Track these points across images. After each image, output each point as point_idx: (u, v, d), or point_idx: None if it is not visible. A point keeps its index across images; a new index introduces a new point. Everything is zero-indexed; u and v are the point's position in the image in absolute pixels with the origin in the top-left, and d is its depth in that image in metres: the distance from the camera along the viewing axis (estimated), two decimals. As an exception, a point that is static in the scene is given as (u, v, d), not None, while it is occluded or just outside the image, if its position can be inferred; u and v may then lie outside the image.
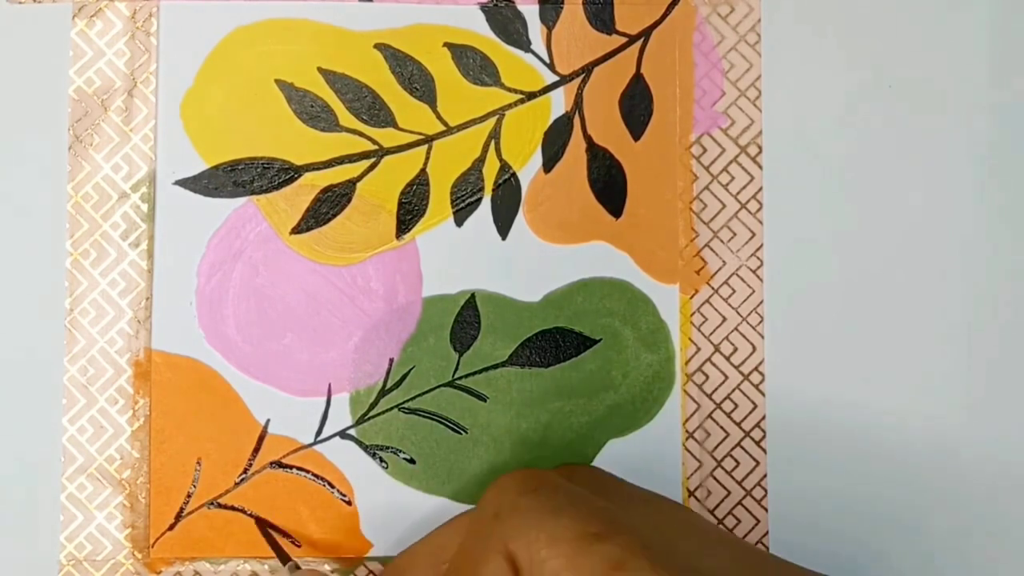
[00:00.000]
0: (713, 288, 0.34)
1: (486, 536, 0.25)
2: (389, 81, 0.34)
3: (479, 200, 0.34)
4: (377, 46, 0.34)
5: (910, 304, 0.34)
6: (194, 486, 0.33)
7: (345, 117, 0.34)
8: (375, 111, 0.34)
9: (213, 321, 0.33)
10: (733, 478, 0.34)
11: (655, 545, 0.24)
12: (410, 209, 0.34)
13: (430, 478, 0.34)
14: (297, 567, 0.31)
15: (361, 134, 0.34)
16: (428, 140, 0.34)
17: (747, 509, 0.34)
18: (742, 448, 0.34)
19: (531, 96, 0.34)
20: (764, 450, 0.34)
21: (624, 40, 0.35)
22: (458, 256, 0.34)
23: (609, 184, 0.34)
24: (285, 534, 0.33)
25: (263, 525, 0.33)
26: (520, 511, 0.24)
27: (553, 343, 0.34)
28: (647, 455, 0.34)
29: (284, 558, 0.31)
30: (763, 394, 0.34)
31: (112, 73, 0.34)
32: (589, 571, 0.23)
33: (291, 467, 0.33)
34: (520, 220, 0.34)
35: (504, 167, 0.34)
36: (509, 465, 0.34)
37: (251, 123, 0.34)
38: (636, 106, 0.34)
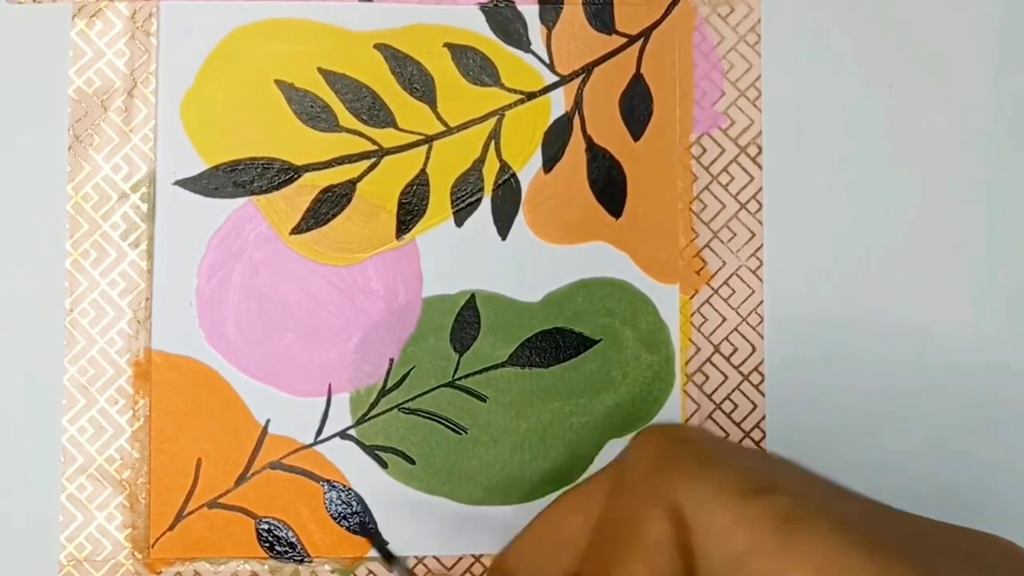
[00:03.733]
0: (713, 288, 0.34)
1: (644, 492, 0.24)
2: (389, 81, 0.34)
3: (479, 200, 0.34)
4: (377, 46, 0.34)
5: (910, 305, 0.34)
6: (194, 486, 0.33)
7: (345, 117, 0.34)
8: (375, 111, 0.34)
9: (213, 321, 0.33)
10: (733, 478, 0.34)
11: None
12: (410, 209, 0.34)
13: (430, 478, 0.34)
14: (391, 557, 0.30)
15: (361, 134, 0.34)
16: (428, 140, 0.34)
17: (747, 509, 0.34)
18: (742, 448, 0.34)
19: (531, 96, 0.34)
20: (764, 451, 0.34)
21: (624, 40, 0.35)
22: (458, 256, 0.34)
23: (609, 184, 0.34)
24: (291, 544, 0.33)
25: (368, 533, 0.33)
26: (679, 463, 0.24)
27: (553, 343, 0.34)
28: (647, 455, 0.34)
29: (386, 554, 0.31)
30: (763, 395, 0.34)
31: (112, 73, 0.34)
32: (759, 526, 0.22)
33: (291, 467, 0.33)
34: (520, 220, 0.34)
35: (504, 167, 0.34)
36: (509, 465, 0.34)
37: (251, 123, 0.34)
38: (636, 106, 0.34)
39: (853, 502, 0.25)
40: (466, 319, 0.34)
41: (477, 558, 0.33)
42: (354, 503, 0.33)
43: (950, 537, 0.24)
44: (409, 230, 0.34)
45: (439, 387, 0.34)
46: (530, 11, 0.34)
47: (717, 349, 0.34)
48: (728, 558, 0.22)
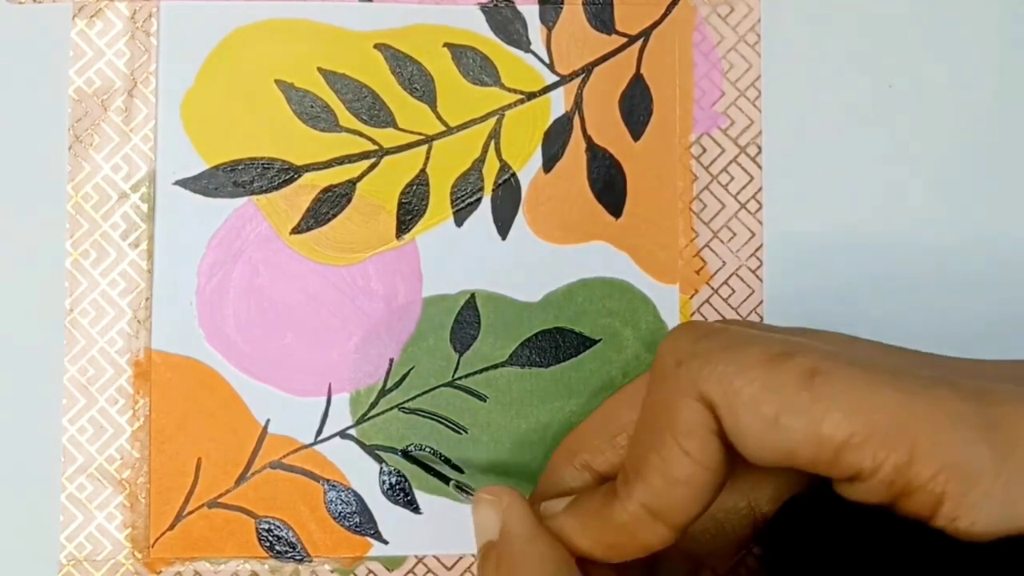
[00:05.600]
0: (713, 288, 0.34)
1: (672, 386, 0.24)
2: (389, 81, 0.34)
3: (479, 200, 0.34)
4: (377, 46, 0.34)
5: (910, 305, 0.34)
6: (194, 486, 0.33)
7: (345, 117, 0.34)
8: (375, 111, 0.34)
9: (213, 321, 0.33)
10: (733, 478, 0.34)
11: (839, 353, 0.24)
12: (410, 209, 0.34)
13: (430, 478, 0.33)
14: (461, 488, 0.30)
15: (361, 134, 0.34)
16: (428, 140, 0.34)
17: (747, 509, 0.34)
18: (742, 448, 0.34)
19: (531, 96, 0.34)
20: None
21: (624, 40, 0.35)
22: (458, 256, 0.34)
23: (609, 184, 0.34)
24: (291, 544, 0.33)
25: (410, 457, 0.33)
26: (701, 354, 0.24)
27: (553, 343, 0.34)
28: (647, 455, 0.34)
29: (446, 479, 0.32)
30: (763, 394, 0.34)
31: (112, 73, 0.34)
32: (786, 386, 0.22)
33: (291, 467, 0.33)
34: (520, 220, 0.34)
35: (504, 167, 0.34)
36: (509, 465, 0.34)
37: (251, 123, 0.34)
38: (636, 106, 0.34)
39: (897, 354, 0.25)
40: (466, 319, 0.34)
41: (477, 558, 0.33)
42: (354, 503, 0.33)
43: (1007, 368, 0.24)
44: (409, 230, 0.34)
45: (439, 387, 0.34)
46: (530, 11, 0.34)
47: (717, 349, 0.34)
48: (762, 425, 0.23)
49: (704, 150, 0.34)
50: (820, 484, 0.25)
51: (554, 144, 0.34)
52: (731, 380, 0.23)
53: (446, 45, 0.34)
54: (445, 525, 0.33)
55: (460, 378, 0.34)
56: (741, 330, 0.25)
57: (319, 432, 0.33)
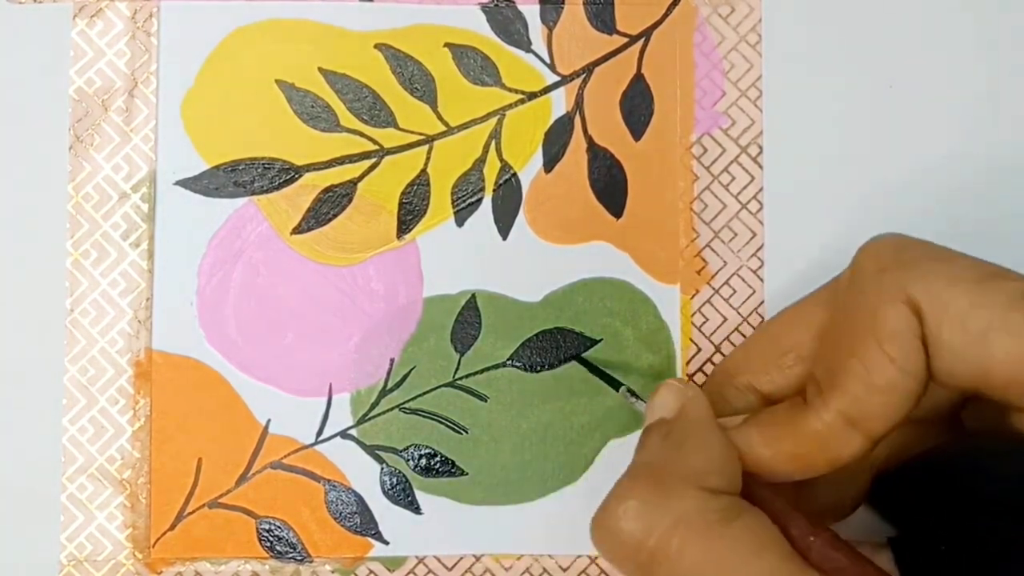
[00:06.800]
0: (714, 288, 0.34)
1: (875, 292, 0.24)
2: (389, 81, 0.34)
3: (480, 200, 0.34)
4: (377, 46, 0.34)
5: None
6: (195, 486, 0.33)
7: (346, 117, 0.34)
8: (375, 111, 0.34)
9: (214, 321, 0.33)
10: (733, 478, 0.34)
11: None
12: (411, 209, 0.34)
13: (431, 478, 0.33)
14: (632, 393, 0.30)
15: (362, 134, 0.34)
16: (429, 140, 0.34)
17: (747, 509, 0.34)
18: (742, 448, 0.34)
19: (532, 96, 0.34)
20: None
21: (625, 40, 0.35)
22: (459, 256, 0.34)
23: (610, 184, 0.34)
24: (292, 544, 0.33)
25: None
26: (910, 261, 0.24)
27: (553, 343, 0.34)
28: (648, 455, 0.34)
29: (617, 384, 0.32)
30: (763, 394, 0.34)
31: (112, 73, 0.34)
32: (996, 305, 0.22)
33: (292, 467, 0.33)
34: (521, 220, 0.34)
35: (505, 167, 0.34)
36: (509, 465, 0.34)
37: (251, 123, 0.34)
38: (637, 106, 0.34)
39: None
40: (467, 319, 0.34)
41: (477, 558, 0.33)
42: (355, 503, 0.33)
43: None
44: (410, 230, 0.34)
45: (440, 387, 0.34)
46: (531, 11, 0.34)
47: (718, 349, 0.34)
48: (968, 340, 0.23)
49: (705, 150, 0.34)
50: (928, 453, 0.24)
51: (555, 144, 0.34)
52: (940, 291, 0.23)
53: (447, 45, 0.34)
54: (446, 525, 0.33)
55: (461, 378, 0.34)
56: (940, 245, 0.25)
57: (320, 432, 0.33)
